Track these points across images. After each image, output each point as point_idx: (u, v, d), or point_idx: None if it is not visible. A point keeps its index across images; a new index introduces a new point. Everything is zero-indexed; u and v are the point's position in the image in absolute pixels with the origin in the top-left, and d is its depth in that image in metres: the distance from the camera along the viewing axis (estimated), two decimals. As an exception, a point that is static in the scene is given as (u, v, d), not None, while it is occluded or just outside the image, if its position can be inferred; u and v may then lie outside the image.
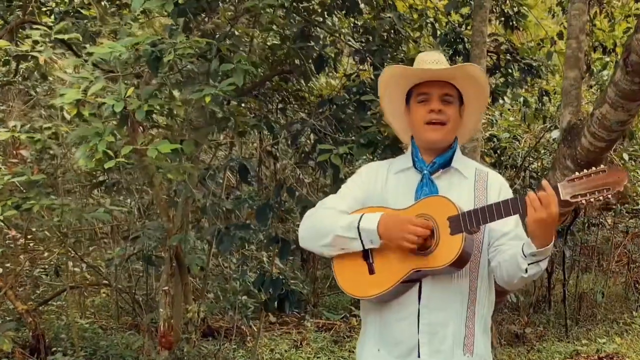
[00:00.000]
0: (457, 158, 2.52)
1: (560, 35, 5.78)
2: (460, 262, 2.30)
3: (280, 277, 4.55)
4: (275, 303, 4.66)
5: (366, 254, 2.41)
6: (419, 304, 2.37)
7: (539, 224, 2.17)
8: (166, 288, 5.54)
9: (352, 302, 8.28)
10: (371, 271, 2.40)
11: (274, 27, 5.13)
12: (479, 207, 2.29)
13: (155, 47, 3.29)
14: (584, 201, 2.17)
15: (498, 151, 7.55)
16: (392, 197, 2.47)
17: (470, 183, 2.48)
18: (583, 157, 3.46)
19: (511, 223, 2.41)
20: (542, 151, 7.81)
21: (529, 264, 2.25)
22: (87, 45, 3.61)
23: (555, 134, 6.35)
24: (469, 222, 2.26)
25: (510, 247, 2.37)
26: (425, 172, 2.47)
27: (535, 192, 2.19)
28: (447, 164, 2.49)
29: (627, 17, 5.86)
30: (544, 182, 2.22)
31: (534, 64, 5.01)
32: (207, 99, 3.29)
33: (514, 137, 7.27)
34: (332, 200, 2.55)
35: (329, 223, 2.42)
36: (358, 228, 2.36)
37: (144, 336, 6.27)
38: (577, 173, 2.19)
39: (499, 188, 2.49)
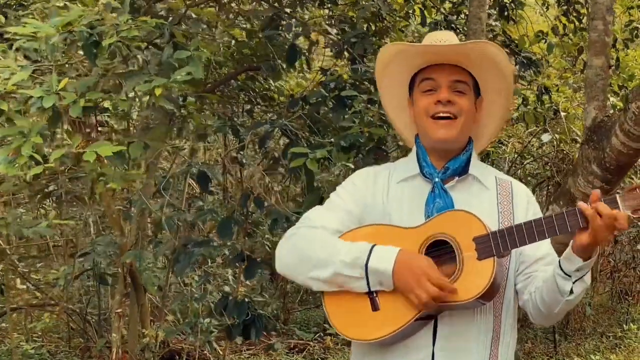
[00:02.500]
0: (474, 163, 2.02)
1: (555, 29, 5.31)
2: (490, 294, 1.83)
3: (246, 300, 3.96)
4: (240, 329, 4.08)
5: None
6: (433, 346, 1.89)
7: (602, 244, 1.74)
8: (119, 310, 5.01)
9: (325, 319, 7.76)
10: (374, 307, 1.88)
11: (240, 18, 4.59)
12: (514, 225, 1.81)
13: (93, 29, 2.70)
14: None
15: (480, 156, 7.06)
16: (396, 212, 1.95)
17: (492, 194, 1.99)
18: (612, 159, 2.96)
19: (545, 245, 1.94)
20: (527, 156, 7.35)
21: (574, 282, 1.79)
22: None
23: (546, 137, 5.87)
24: (502, 244, 1.78)
25: (545, 272, 1.90)
26: (436, 180, 1.94)
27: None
28: (462, 171, 1.99)
29: (630, 9, 5.40)
30: (601, 204, 1.73)
31: (533, 58, 4.53)
32: (158, 92, 2.70)
33: (499, 141, 6.78)
34: (320, 216, 2.01)
35: (325, 252, 1.89)
36: (366, 267, 1.83)
37: (95, 363, 5.72)
38: (638, 182, 1.69)
39: (526, 200, 2.02)
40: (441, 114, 1.94)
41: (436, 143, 1.97)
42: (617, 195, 1.72)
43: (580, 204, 1.73)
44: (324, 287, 1.92)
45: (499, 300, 1.93)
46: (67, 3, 2.90)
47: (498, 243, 1.78)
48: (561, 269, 1.80)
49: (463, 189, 1.98)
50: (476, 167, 2.03)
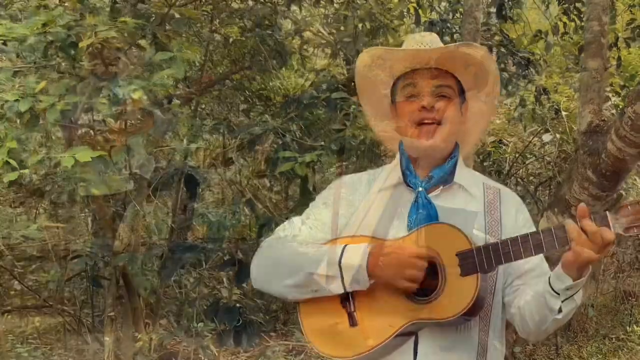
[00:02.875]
0: (460, 171, 1.90)
1: (555, 28, 5.19)
2: (474, 310, 1.72)
3: (237, 305, 3.87)
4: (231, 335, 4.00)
5: (345, 299, 1.80)
6: None
7: (589, 263, 1.62)
8: (112, 314, 4.93)
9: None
10: (352, 322, 1.79)
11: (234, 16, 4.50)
12: (499, 241, 1.70)
13: (70, 30, 2.61)
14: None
15: (481, 156, 6.95)
16: (377, 223, 1.85)
17: (479, 203, 1.88)
18: (608, 165, 2.83)
19: (535, 257, 1.80)
20: (529, 156, 7.23)
21: (563, 301, 1.69)
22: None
23: (547, 137, 5.76)
24: (487, 260, 1.68)
25: (534, 285, 1.79)
26: (419, 189, 1.84)
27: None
28: (447, 179, 1.88)
29: (631, 7, 5.27)
30: (587, 222, 1.62)
31: (531, 58, 4.42)
32: (137, 95, 2.62)
33: (500, 141, 6.67)
34: (295, 226, 1.93)
35: (298, 256, 1.81)
36: (339, 264, 1.74)
37: (89, 367, 5.65)
38: (630, 199, 1.60)
39: (515, 210, 1.90)
40: (426, 121, 1.84)
41: (420, 151, 1.87)
42: (608, 213, 1.62)
43: (568, 222, 1.63)
44: (299, 295, 1.83)
45: (485, 314, 1.83)
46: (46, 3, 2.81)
47: (482, 259, 1.68)
48: (550, 286, 1.71)
49: (448, 198, 1.87)
50: (462, 174, 1.91)
